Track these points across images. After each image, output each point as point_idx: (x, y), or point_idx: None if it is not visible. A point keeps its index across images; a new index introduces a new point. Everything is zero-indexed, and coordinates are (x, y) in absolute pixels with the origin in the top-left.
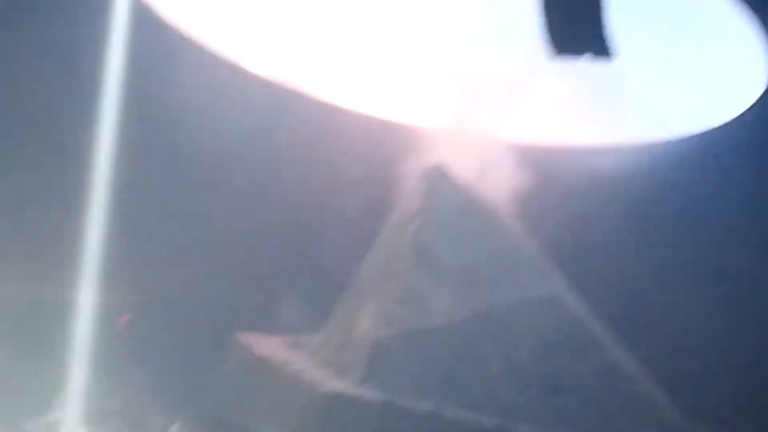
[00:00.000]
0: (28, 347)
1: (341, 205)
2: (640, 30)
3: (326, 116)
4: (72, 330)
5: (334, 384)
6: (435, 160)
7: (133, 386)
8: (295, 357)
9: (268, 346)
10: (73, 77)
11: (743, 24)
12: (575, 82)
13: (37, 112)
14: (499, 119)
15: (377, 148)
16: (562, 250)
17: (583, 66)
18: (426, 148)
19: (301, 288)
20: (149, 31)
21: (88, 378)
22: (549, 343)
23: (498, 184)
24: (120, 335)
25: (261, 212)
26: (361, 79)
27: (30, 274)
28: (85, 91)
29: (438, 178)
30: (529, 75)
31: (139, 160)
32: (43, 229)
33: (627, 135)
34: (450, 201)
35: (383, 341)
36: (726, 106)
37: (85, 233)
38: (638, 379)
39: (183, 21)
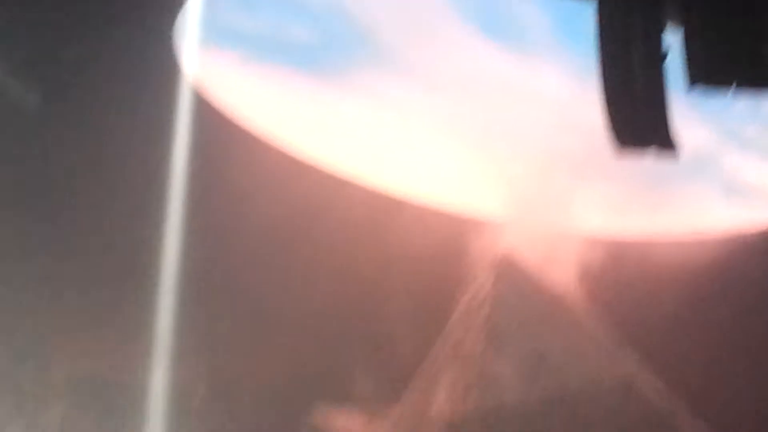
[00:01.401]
0: (104, 421)
1: (411, 289)
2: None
3: (391, 207)
4: (143, 409)
5: None
6: (503, 246)
7: None
8: None
9: (345, 422)
10: (140, 169)
11: None
12: (648, 170)
13: (107, 203)
14: (567, 206)
15: (444, 235)
16: (632, 335)
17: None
18: (494, 235)
19: (376, 366)
20: (209, 123)
21: None
22: (622, 426)
23: (566, 270)
24: (193, 415)
25: (328, 294)
26: (426, 168)
27: (99, 353)
28: (152, 181)
29: (507, 265)
30: (597, 162)
31: (202, 247)
32: (114, 312)
33: (699, 225)
34: (520, 287)
35: (457, 422)
36: None
37: (153, 315)
38: None
39: (241, 113)
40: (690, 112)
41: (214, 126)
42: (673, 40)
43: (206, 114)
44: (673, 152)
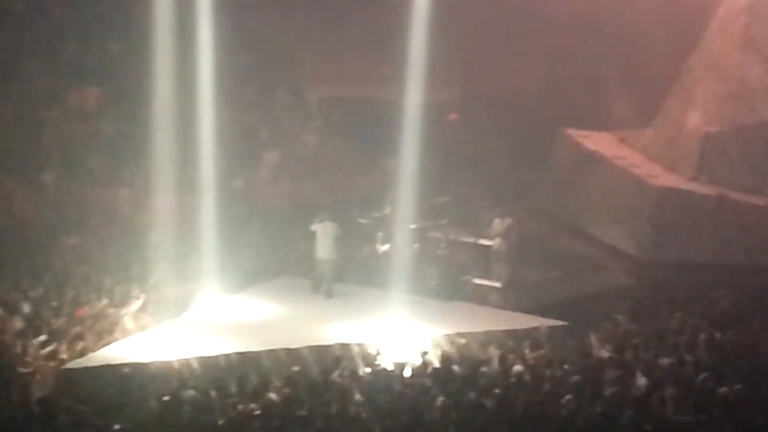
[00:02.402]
0: (360, 144)
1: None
2: None
3: None
4: (397, 128)
5: (666, 178)
6: None
7: (463, 182)
8: (624, 152)
9: (597, 142)
10: None
11: None
12: None
13: None
14: None
15: None
16: None
17: None
18: None
19: (629, 84)
20: None
21: (418, 173)
22: None
23: None
24: (447, 132)
25: (580, 9)
26: None
27: (358, 74)
28: None
29: None
30: None
31: None
32: (366, 33)
33: None
34: None
35: (714, 136)
36: None
37: (405, 35)
38: None
39: None
40: None
41: None
42: None
43: None
44: None
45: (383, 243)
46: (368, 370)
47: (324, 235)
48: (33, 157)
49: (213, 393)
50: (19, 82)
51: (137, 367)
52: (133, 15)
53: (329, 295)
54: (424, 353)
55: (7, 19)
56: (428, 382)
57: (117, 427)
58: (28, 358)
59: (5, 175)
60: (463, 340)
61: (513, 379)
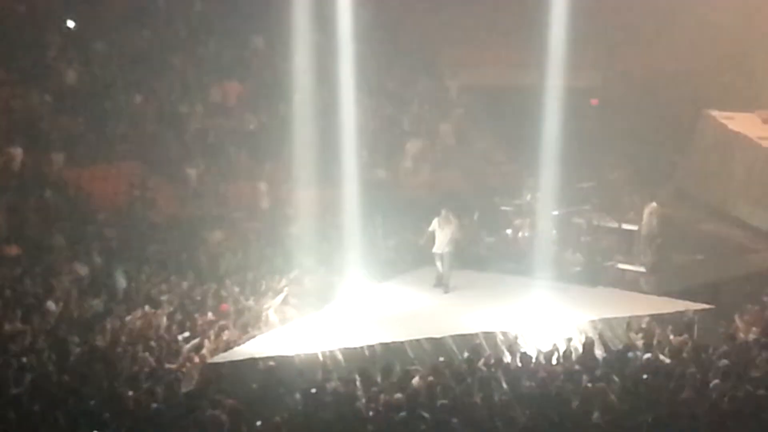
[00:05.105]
0: (501, 131)
1: None
2: None
3: None
4: (542, 113)
5: None
6: None
7: (606, 166)
8: None
9: (741, 123)
10: None
11: None
12: None
13: None
14: None
15: None
16: None
17: None
18: None
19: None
20: None
21: (560, 159)
22: None
23: None
24: (589, 116)
25: None
26: None
27: (499, 60)
28: None
29: None
30: None
31: None
32: (511, 20)
33: None
34: None
35: None
36: None
37: (543, 25)
38: None
39: None
40: None
41: None
42: None
43: None
44: None
45: (525, 229)
46: (513, 357)
47: (440, 229)
48: (176, 152)
49: (358, 384)
50: (162, 77)
51: (282, 360)
52: (272, 9)
53: (446, 290)
54: (569, 339)
55: (149, 16)
56: (573, 368)
57: (259, 423)
58: (173, 353)
59: (149, 170)
60: (608, 326)
61: (659, 364)
